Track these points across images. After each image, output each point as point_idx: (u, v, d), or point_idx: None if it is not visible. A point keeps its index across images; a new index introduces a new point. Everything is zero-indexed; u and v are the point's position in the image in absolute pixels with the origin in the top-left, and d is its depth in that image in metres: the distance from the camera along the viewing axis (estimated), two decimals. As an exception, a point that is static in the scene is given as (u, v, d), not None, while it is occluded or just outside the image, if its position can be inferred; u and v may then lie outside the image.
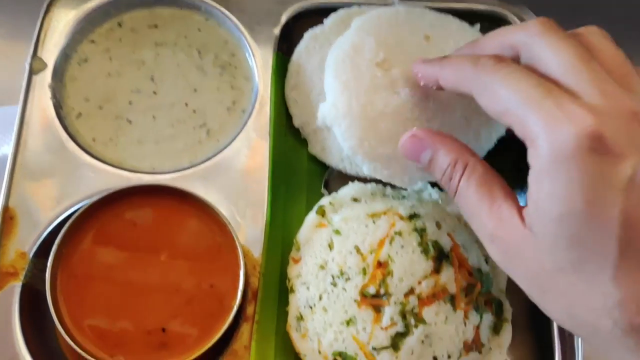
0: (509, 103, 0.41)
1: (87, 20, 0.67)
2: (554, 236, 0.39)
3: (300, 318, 0.57)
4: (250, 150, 0.64)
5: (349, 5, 0.69)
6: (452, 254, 0.56)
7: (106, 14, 0.68)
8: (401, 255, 0.54)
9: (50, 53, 0.65)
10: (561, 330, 0.59)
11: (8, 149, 0.61)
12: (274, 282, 0.60)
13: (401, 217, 0.57)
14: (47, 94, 0.63)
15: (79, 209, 0.57)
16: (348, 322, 0.54)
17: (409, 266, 0.54)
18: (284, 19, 0.69)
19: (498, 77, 0.42)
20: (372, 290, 0.53)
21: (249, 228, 0.61)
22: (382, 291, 0.53)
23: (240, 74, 0.68)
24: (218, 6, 0.69)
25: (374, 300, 0.53)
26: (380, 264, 0.54)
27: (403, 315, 0.53)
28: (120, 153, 0.63)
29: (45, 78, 0.64)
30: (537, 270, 0.41)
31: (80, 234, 0.57)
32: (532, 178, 0.40)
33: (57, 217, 0.59)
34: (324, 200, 0.62)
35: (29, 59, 0.64)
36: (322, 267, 0.56)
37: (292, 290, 0.58)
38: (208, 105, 0.66)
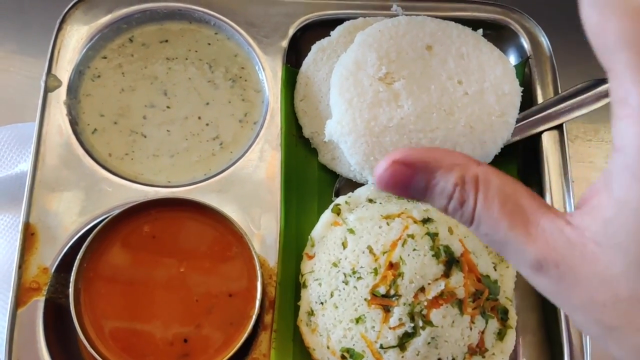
0: None
1: (99, 37, 0.68)
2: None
3: (311, 313, 0.58)
4: (263, 161, 0.65)
5: (354, 16, 0.71)
6: (462, 260, 0.57)
7: (117, 30, 0.69)
8: (413, 258, 0.56)
9: (64, 70, 0.66)
10: (569, 332, 0.61)
11: (26, 166, 0.62)
12: (290, 291, 0.61)
13: (415, 221, 0.58)
14: (63, 110, 0.64)
15: (98, 223, 0.58)
16: (357, 320, 0.55)
17: (420, 269, 0.55)
18: (291, 32, 0.71)
19: None
20: (382, 290, 0.55)
21: (263, 237, 0.62)
22: (392, 292, 0.55)
23: (250, 87, 0.69)
24: (227, 20, 0.70)
25: (383, 300, 0.55)
26: (391, 265, 0.56)
27: (411, 317, 0.54)
28: (136, 167, 0.64)
29: (60, 95, 0.65)
30: (605, 299, 0.32)
31: (101, 248, 0.58)
32: (614, 176, 0.30)
33: (77, 232, 0.60)
34: (340, 199, 0.63)
35: (44, 77, 0.65)
36: (334, 265, 0.58)
37: (304, 286, 0.60)
38: (220, 118, 0.67)
